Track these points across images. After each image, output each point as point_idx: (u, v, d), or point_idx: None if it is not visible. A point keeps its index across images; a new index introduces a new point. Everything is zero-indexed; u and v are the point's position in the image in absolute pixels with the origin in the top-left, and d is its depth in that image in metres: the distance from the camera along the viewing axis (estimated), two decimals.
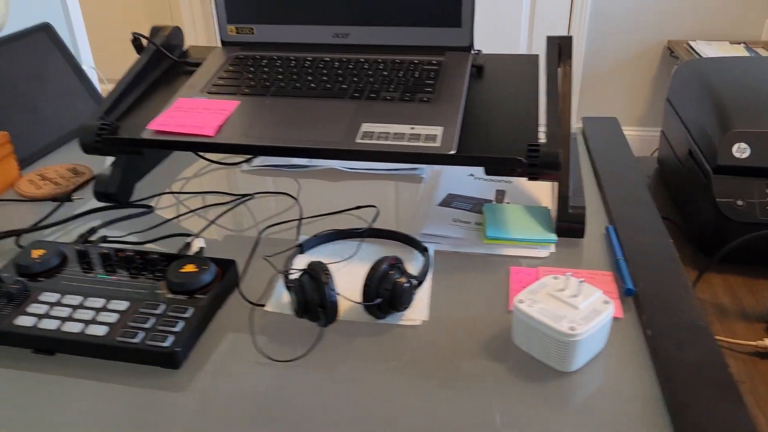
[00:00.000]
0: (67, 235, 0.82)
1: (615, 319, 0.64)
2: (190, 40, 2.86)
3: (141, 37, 0.91)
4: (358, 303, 0.62)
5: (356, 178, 0.95)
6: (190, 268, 0.67)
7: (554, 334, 0.57)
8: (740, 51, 2.48)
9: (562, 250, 0.76)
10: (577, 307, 0.58)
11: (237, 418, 0.55)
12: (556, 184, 0.80)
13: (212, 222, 0.82)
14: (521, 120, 0.75)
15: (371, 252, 0.76)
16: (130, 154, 0.82)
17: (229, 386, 0.58)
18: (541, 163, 0.67)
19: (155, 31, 0.93)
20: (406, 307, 0.64)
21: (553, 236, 0.76)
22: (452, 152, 0.69)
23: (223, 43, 0.94)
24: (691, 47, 2.55)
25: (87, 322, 0.62)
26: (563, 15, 2.63)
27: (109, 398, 0.58)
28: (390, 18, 0.88)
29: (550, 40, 0.84)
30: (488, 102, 0.79)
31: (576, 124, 2.72)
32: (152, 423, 0.55)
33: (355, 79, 0.83)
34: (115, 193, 0.85)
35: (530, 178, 0.70)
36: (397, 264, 0.64)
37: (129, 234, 0.81)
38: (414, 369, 0.60)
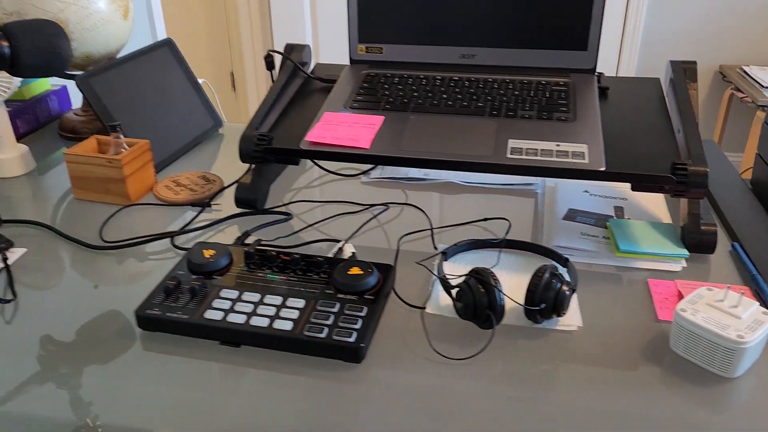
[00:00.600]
0: (215, 237, 0.87)
1: None
2: (247, 54, 2.95)
3: (277, 54, 0.97)
4: (526, 307, 0.67)
5: (472, 191, 0.99)
6: (355, 270, 0.72)
7: (722, 341, 0.60)
8: None
9: (691, 265, 0.80)
10: (740, 317, 0.62)
11: (414, 411, 0.59)
12: (682, 201, 0.84)
13: (358, 229, 0.87)
14: (658, 139, 0.79)
15: (510, 262, 0.80)
16: (282, 163, 0.87)
17: (406, 381, 0.63)
18: (690, 182, 0.71)
19: (290, 49, 0.99)
20: (564, 313, 0.68)
21: (685, 251, 0.80)
22: (602, 168, 0.73)
23: (351, 61, 0.99)
24: (744, 72, 2.58)
25: (271, 318, 0.66)
26: (616, 38, 2.68)
27: (294, 388, 0.62)
28: (516, 40, 0.93)
29: (675, 64, 0.88)
30: (620, 121, 0.83)
31: None
32: (336, 412, 0.59)
33: (489, 98, 0.88)
34: (254, 200, 0.91)
35: (674, 195, 0.74)
36: (556, 272, 0.68)
37: (276, 238, 0.86)
38: (574, 371, 0.64)
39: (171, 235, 0.87)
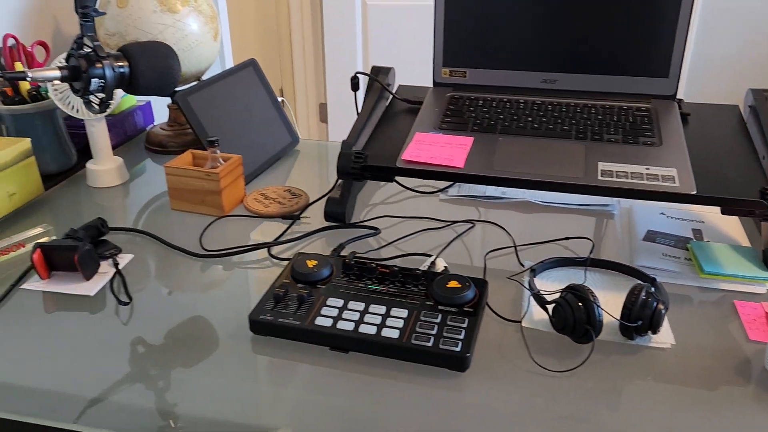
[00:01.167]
0: (307, 248, 0.92)
1: None
2: (299, 74, 3.03)
3: (365, 76, 1.02)
4: (623, 323, 0.69)
5: (548, 210, 1.03)
6: (454, 284, 0.75)
7: None
8: None
9: None
10: None
11: (519, 419, 0.62)
12: (763, 225, 0.86)
13: (449, 244, 0.91)
14: (742, 165, 0.81)
15: (596, 279, 0.83)
16: (376, 180, 0.92)
17: (509, 390, 0.66)
18: None
19: (377, 71, 1.04)
20: (658, 331, 0.71)
21: None
22: (693, 192, 0.76)
23: (434, 83, 1.04)
24: None
25: (378, 326, 0.70)
26: None
27: (402, 394, 0.66)
28: (597, 66, 0.96)
29: (756, 92, 0.91)
30: (704, 147, 0.86)
31: None
32: (443, 419, 0.63)
33: (573, 121, 0.91)
34: (343, 214, 0.95)
35: (762, 220, 0.76)
36: (651, 291, 0.71)
37: (367, 251, 0.90)
38: (668, 387, 0.66)
39: (267, 245, 0.92)
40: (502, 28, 0.98)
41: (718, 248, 0.88)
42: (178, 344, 0.73)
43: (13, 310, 0.79)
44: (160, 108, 1.52)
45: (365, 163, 0.86)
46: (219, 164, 1.00)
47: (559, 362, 0.70)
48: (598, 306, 0.68)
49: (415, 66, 2.70)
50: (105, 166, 1.11)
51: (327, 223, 0.98)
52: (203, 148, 1.05)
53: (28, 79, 0.77)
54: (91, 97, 0.82)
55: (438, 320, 0.71)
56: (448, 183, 1.09)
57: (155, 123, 1.42)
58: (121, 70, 0.83)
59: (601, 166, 0.81)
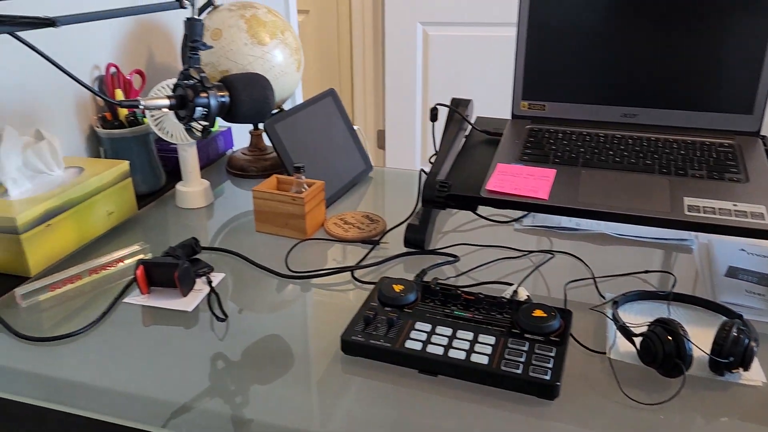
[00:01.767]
0: (387, 273, 0.95)
1: None
2: (358, 102, 3.10)
3: (444, 107, 1.05)
4: (715, 359, 0.70)
5: (624, 243, 1.03)
6: (539, 313, 0.77)
7: None
8: None
9: None
10: None
11: None
12: None
13: (530, 273, 0.93)
14: None
15: (679, 314, 0.83)
16: (460, 209, 0.94)
17: (599, 422, 0.67)
18: None
19: (456, 102, 1.07)
20: (749, 368, 0.71)
21: None
22: None
23: (513, 116, 1.07)
24: None
25: (467, 351, 0.72)
26: None
27: (491, 420, 0.67)
28: (680, 102, 0.97)
29: None
30: None
31: None
32: None
33: (656, 156, 0.92)
34: (422, 240, 0.98)
35: None
36: (743, 328, 0.71)
37: (447, 278, 0.93)
38: (759, 428, 0.66)
39: (351, 269, 0.95)
40: (583, 62, 1.00)
41: None
42: (271, 360, 0.77)
43: (115, 322, 0.85)
44: (239, 134, 1.59)
45: (449, 192, 0.89)
46: (303, 189, 1.04)
47: (647, 395, 0.70)
48: (689, 340, 0.69)
49: (475, 95, 2.73)
50: (193, 188, 1.17)
51: (405, 249, 1.01)
52: (281, 172, 1.10)
53: (141, 107, 0.83)
54: (194, 124, 0.88)
55: (526, 348, 0.73)
56: (522, 213, 1.10)
57: (234, 148, 1.48)
58: (222, 99, 0.88)
59: (687, 201, 0.82)
